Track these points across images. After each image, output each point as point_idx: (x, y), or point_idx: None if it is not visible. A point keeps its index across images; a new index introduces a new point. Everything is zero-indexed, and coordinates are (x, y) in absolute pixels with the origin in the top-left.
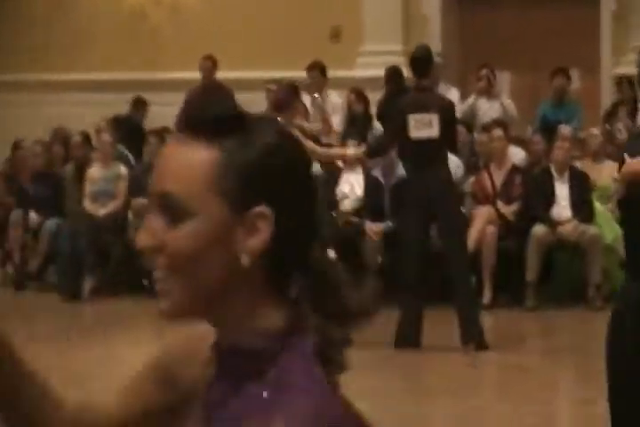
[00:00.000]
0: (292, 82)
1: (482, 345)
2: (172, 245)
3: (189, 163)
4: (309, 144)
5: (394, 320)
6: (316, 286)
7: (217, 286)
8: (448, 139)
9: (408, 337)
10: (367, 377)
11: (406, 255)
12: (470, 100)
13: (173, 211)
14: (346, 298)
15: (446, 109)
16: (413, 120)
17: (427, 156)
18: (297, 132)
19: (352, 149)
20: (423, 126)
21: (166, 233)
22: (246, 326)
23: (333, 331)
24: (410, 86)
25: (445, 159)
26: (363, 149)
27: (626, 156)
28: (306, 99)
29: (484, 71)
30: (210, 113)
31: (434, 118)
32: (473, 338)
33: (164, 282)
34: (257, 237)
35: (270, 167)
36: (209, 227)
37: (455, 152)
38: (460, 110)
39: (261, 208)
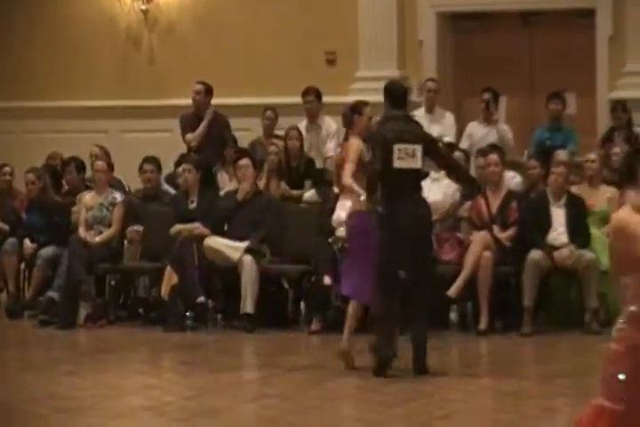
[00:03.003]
0: None
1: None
2: None
3: None
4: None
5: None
6: None
7: None
8: (439, 162)
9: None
10: (353, 406)
11: (378, 285)
12: (470, 125)
13: None
14: None
15: (427, 141)
16: (397, 150)
17: (408, 186)
18: None
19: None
20: (407, 157)
21: None
22: None
23: None
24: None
25: (419, 190)
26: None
27: None
28: (302, 124)
29: (486, 95)
30: None
31: (417, 149)
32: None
33: None
34: None
35: None
36: None
37: (455, 169)
38: (454, 134)
39: None
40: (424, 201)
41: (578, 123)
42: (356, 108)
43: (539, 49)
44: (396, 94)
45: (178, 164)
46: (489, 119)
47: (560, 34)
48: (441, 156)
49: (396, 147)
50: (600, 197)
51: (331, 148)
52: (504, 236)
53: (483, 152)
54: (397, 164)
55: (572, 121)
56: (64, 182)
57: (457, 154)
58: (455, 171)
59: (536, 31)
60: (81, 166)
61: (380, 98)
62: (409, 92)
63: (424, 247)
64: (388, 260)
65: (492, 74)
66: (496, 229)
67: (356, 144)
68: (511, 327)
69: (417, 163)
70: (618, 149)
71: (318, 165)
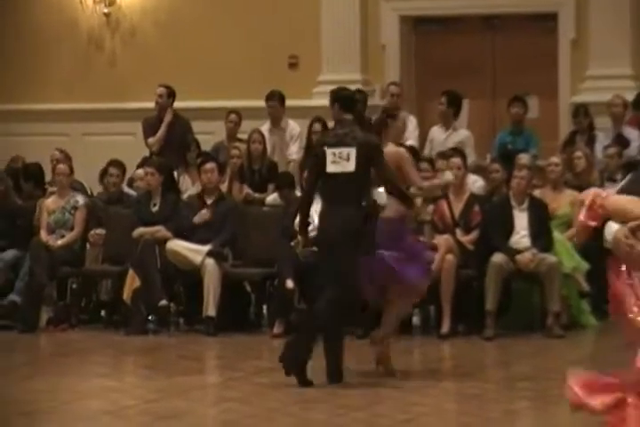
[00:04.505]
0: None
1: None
2: None
3: None
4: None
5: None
6: None
7: None
8: (368, 174)
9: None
10: (316, 410)
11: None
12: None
13: None
14: None
15: (366, 145)
16: (332, 154)
17: (340, 191)
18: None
19: (447, 175)
20: (340, 160)
21: None
22: None
23: None
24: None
25: (360, 196)
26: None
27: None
28: (264, 129)
29: (444, 99)
30: None
31: (351, 152)
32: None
33: None
34: None
35: None
36: None
37: (393, 184)
38: (416, 138)
39: None
40: (355, 210)
41: (540, 126)
42: (390, 112)
43: (501, 53)
44: (345, 99)
45: (140, 167)
46: (447, 123)
47: (522, 37)
48: (382, 167)
49: (330, 151)
50: (563, 200)
51: (294, 151)
52: (467, 239)
53: (444, 155)
54: (330, 168)
55: (534, 125)
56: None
57: (424, 166)
58: (393, 186)
59: (498, 35)
60: (36, 173)
61: None
62: (358, 96)
63: (343, 261)
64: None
65: (455, 77)
66: (459, 232)
67: (395, 151)
68: (473, 331)
69: (350, 166)
70: (580, 153)
71: (281, 168)
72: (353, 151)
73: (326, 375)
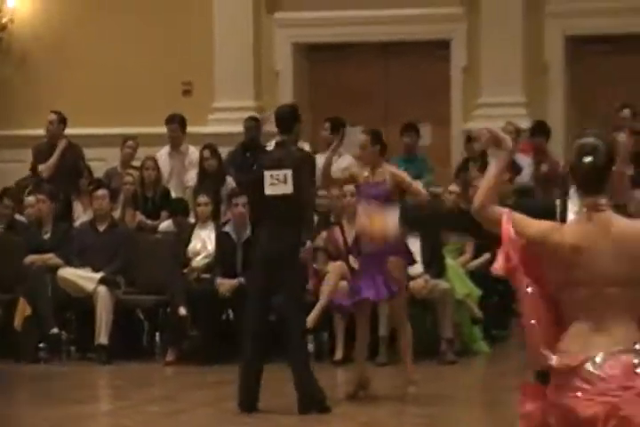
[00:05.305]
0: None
1: (324, 408)
2: None
3: None
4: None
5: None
6: None
7: None
8: (304, 195)
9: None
10: None
11: (247, 314)
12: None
13: None
14: None
15: (299, 165)
16: (269, 176)
17: (280, 213)
18: None
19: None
20: (278, 182)
21: None
22: None
23: None
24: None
25: (298, 217)
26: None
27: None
28: (163, 152)
29: (327, 125)
30: None
31: (288, 174)
32: (311, 405)
33: None
34: None
35: None
36: None
37: (309, 208)
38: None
39: None
40: (295, 231)
41: (432, 153)
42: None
43: (394, 80)
44: (280, 118)
45: (30, 194)
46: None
47: (416, 65)
48: (303, 187)
49: (268, 173)
50: None
51: (191, 177)
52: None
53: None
54: (269, 190)
55: (427, 152)
56: None
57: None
58: (306, 209)
59: (392, 62)
60: None
61: (236, 129)
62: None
63: (287, 282)
64: (251, 289)
65: (348, 104)
66: (352, 259)
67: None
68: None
69: (288, 188)
70: (477, 182)
71: (177, 193)
72: (289, 173)
73: (305, 405)
